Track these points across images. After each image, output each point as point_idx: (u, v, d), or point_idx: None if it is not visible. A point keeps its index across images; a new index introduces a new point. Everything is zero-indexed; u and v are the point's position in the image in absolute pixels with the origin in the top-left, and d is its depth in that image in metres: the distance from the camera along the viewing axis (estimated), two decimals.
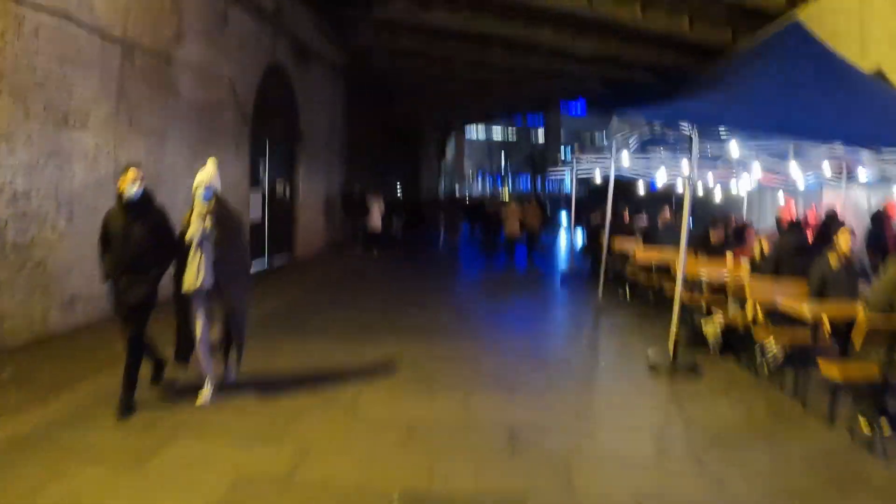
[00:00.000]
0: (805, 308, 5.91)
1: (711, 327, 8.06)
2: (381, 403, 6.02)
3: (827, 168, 10.66)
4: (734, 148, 8.12)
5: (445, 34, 21.33)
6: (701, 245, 10.34)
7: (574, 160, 15.15)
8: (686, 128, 6.83)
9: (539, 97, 34.08)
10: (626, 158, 10.59)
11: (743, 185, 14.65)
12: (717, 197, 16.51)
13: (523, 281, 15.63)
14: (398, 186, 32.27)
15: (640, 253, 10.95)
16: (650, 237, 12.05)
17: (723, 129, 7.15)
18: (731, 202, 17.17)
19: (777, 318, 6.78)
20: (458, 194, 45.16)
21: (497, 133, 76.96)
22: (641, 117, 6.31)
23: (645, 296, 11.41)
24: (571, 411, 6.04)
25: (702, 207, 18.89)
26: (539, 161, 74.40)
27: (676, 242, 10.81)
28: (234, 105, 13.45)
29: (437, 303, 11.71)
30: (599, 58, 23.03)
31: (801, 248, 7.52)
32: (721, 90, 7.45)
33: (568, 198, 49.49)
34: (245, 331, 6.05)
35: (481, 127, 74.79)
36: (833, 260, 6.51)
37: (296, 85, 17.03)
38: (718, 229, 10.47)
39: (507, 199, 28.08)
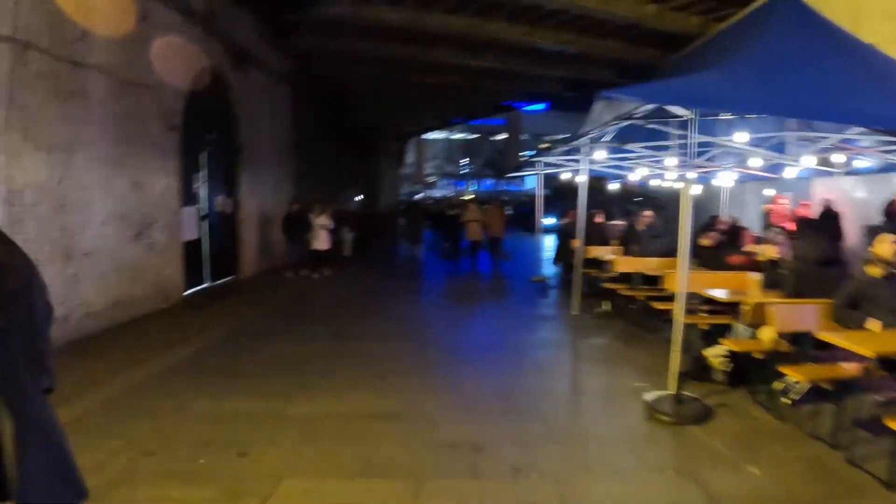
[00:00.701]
0: (867, 345, 4.53)
1: (719, 357, 6.73)
2: (304, 497, 4.49)
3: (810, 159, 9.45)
4: (741, 136, 6.86)
5: (391, 33, 19.84)
6: (691, 251, 9.05)
7: (540, 156, 13.76)
8: (684, 113, 5.50)
9: (496, 101, 32.71)
10: (603, 152, 9.26)
11: (725, 179, 13.44)
12: (695, 192, 15.28)
13: (489, 295, 14.28)
14: (349, 198, 30.29)
15: (621, 262, 9.61)
16: (629, 242, 10.75)
17: (725, 114, 5.81)
18: (708, 198, 16.01)
19: (803, 344, 5.47)
20: (419, 200, 43.60)
21: (457, 132, 75.84)
22: (634, 99, 4.91)
23: (626, 310, 10.09)
24: (555, 495, 4.47)
25: (675, 206, 17.68)
26: (501, 161, 73.39)
27: (660, 248, 9.56)
28: (159, 114, 11.84)
29: (387, 332, 9.91)
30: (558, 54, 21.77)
31: (825, 258, 6.21)
32: (716, 69, 6.10)
33: (533, 199, 48.51)
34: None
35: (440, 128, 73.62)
36: (873, 270, 5.22)
37: (234, 93, 15.43)
38: (711, 232, 9.19)
39: (466, 202, 26.66)
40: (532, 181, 75.01)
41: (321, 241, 16.22)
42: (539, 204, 15.85)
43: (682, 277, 5.92)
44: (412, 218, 22.66)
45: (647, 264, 9.26)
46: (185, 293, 12.96)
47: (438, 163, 77.27)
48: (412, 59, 22.43)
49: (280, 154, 18.93)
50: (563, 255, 14.23)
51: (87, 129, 9.77)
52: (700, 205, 17.34)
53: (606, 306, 10.61)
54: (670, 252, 9.62)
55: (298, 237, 16.19)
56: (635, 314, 9.72)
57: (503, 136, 74.84)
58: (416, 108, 33.82)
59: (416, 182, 72.20)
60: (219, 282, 14.70)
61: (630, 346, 8.59)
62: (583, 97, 27.15)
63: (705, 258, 8.71)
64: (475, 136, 75.66)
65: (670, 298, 7.96)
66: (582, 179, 10.70)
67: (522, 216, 35.16)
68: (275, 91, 18.59)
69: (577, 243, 12.77)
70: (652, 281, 9.40)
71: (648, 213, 10.99)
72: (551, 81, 26.25)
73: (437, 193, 66.84)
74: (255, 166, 16.77)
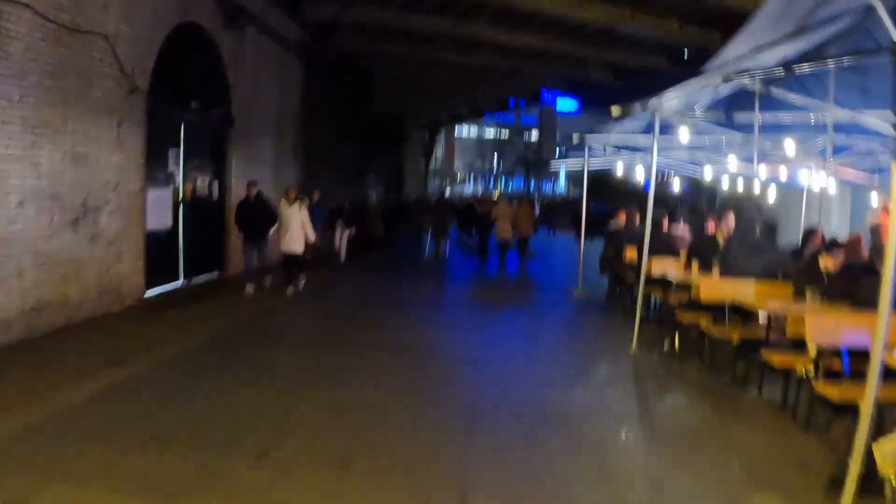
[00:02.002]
0: None
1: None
2: None
3: None
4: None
5: (423, 5, 17.33)
6: (805, 275, 6.30)
7: (586, 148, 11.04)
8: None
9: (534, 87, 29.91)
10: (685, 134, 6.55)
11: (813, 181, 10.60)
12: (772, 196, 12.43)
13: (521, 316, 11.22)
14: (367, 189, 27.28)
15: (707, 286, 6.78)
16: (705, 256, 7.96)
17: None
18: (784, 205, 13.18)
19: None
20: (446, 195, 40.84)
21: (489, 132, 73.12)
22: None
23: (702, 347, 7.32)
24: None
25: (743, 211, 14.89)
26: (532, 161, 70.96)
27: (753, 267, 6.82)
28: (116, 73, 9.33)
29: (372, 372, 6.87)
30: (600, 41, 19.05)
31: None
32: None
33: (565, 200, 45.67)
34: None
35: (473, 125, 71.00)
36: None
37: (226, 57, 12.90)
38: (834, 250, 6.40)
39: (496, 199, 24.29)
40: (563, 180, 72.23)
41: (294, 241, 11.52)
42: (584, 204, 13.12)
43: (881, 329, 3.21)
44: (440, 212, 20.45)
45: (743, 291, 6.51)
46: (147, 293, 10.49)
47: (469, 159, 74.69)
48: (443, 34, 19.80)
49: (285, 134, 16.37)
50: (610, 264, 11.47)
51: (3, 87, 7.31)
52: (776, 212, 14.53)
53: (673, 342, 7.82)
54: (770, 273, 6.87)
55: (258, 234, 11.44)
56: (716, 355, 6.98)
57: (535, 135, 72.20)
58: (446, 94, 31.17)
59: (446, 177, 69.70)
60: (198, 279, 12.21)
61: (723, 412, 5.83)
62: (627, 87, 24.36)
63: (833, 288, 5.95)
64: (506, 134, 73.05)
65: (789, 346, 5.27)
66: (652, 167, 8.00)
67: (554, 217, 32.39)
68: (283, 62, 16.06)
69: (632, 253, 10.04)
70: (748, 315, 6.67)
71: (730, 219, 8.18)
72: (597, 67, 23.49)
73: (466, 190, 64.33)
74: (251, 145, 14.24)
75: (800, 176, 11.21)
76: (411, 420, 5.42)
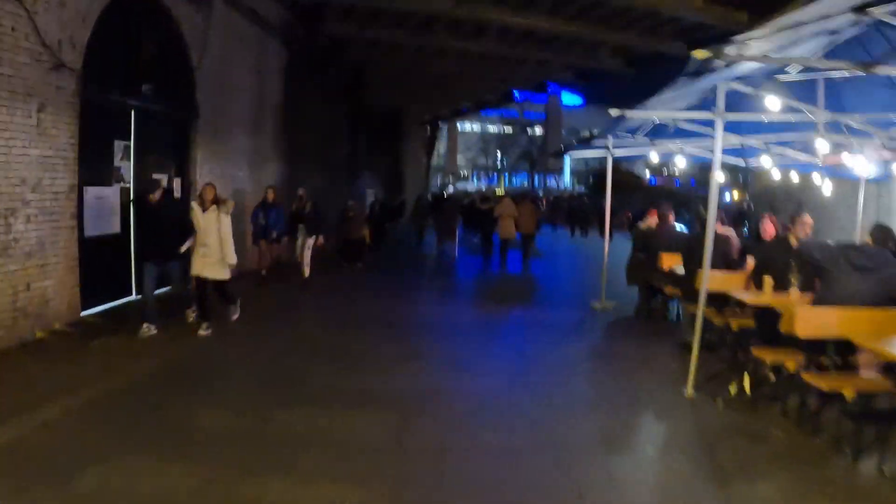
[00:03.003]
0: None
1: None
2: None
3: None
4: None
5: None
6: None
7: (614, 121, 8.93)
8: None
9: (540, 76, 27.97)
10: (774, 103, 4.67)
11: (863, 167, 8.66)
12: (827, 189, 10.48)
13: (535, 341, 8.65)
14: (362, 187, 24.67)
15: (806, 316, 4.79)
16: (776, 269, 6.03)
17: None
18: (837, 200, 11.22)
19: None
20: (453, 193, 38.61)
21: (492, 128, 71.11)
22: None
23: (784, 394, 5.42)
24: None
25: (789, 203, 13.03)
26: (537, 156, 69.19)
27: (862, 287, 4.93)
28: (35, 46, 7.46)
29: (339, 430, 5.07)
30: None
31: None
32: None
33: (572, 197, 43.60)
34: None
35: (476, 122, 69.09)
36: None
37: (188, 35, 11.00)
38: None
39: (500, 196, 22.47)
40: (567, 176, 70.33)
41: (211, 263, 8.23)
42: (607, 198, 11.19)
43: None
44: (444, 212, 18.84)
45: (854, 322, 4.59)
46: (87, 312, 8.63)
47: (472, 155, 72.75)
48: (441, 17, 17.88)
49: (265, 127, 14.48)
50: (641, 272, 9.56)
51: None
52: (823, 208, 12.60)
53: (742, 384, 5.89)
54: (880, 299, 4.97)
55: (164, 253, 8.19)
56: (806, 404, 5.09)
57: (539, 130, 70.56)
58: (446, 87, 29.20)
59: (448, 174, 67.75)
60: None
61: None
62: (639, 77, 22.39)
63: None
64: (510, 129, 71.15)
65: None
66: (715, 153, 6.08)
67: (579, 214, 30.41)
68: (262, 45, 14.17)
69: (671, 262, 8.14)
70: (851, 349, 4.76)
71: (808, 219, 6.26)
72: (610, 53, 21.54)
73: (469, 187, 62.42)
74: (222, 138, 12.35)
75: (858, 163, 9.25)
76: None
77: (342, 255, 15.19)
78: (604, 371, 7.16)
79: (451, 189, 49.21)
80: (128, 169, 9.70)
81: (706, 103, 6.63)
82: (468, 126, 70.55)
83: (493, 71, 25.42)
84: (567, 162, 62.38)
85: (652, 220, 9.75)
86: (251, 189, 13.46)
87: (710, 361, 6.50)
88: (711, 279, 6.00)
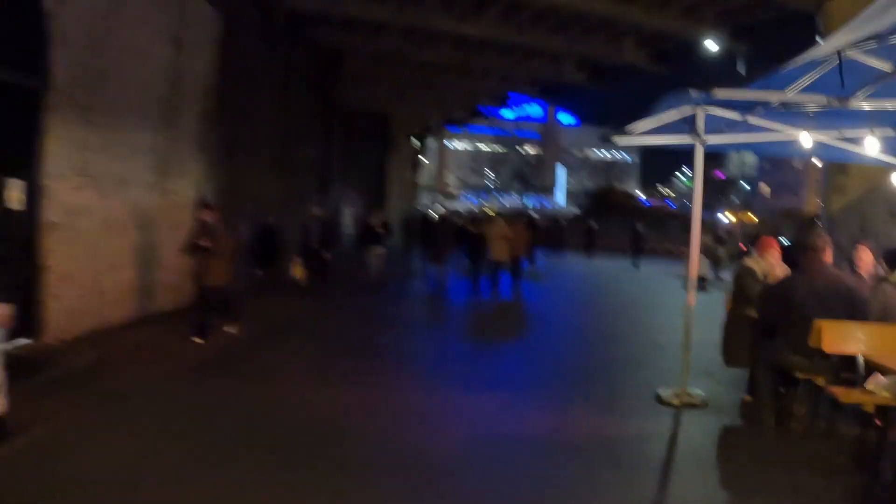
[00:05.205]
0: None
1: None
2: None
3: None
4: None
5: None
6: None
7: (702, 96, 4.96)
8: None
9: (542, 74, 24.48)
10: None
11: None
12: None
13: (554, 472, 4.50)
14: (334, 201, 20.41)
15: None
16: None
17: None
18: None
19: None
20: (440, 214, 34.45)
21: (485, 144, 67.80)
22: None
23: None
24: None
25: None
26: (529, 176, 65.97)
27: None
28: None
29: None
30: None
31: None
32: None
33: (576, 217, 39.70)
34: None
35: (466, 140, 65.82)
36: None
37: None
38: None
39: (492, 217, 19.76)
40: (561, 198, 66.94)
41: None
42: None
43: None
44: (439, 234, 16.24)
45: None
46: None
47: (463, 173, 69.25)
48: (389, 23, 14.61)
49: (182, 116, 10.29)
50: (762, 350, 5.44)
51: None
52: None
53: None
54: None
55: None
56: None
57: (532, 149, 67.57)
58: (434, 92, 25.51)
59: (437, 192, 64.00)
60: None
61: None
62: (672, 76, 18.65)
63: None
64: (503, 148, 68.03)
65: None
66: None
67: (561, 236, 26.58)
68: (183, 4, 10.13)
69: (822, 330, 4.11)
70: None
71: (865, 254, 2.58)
72: (632, 49, 17.95)
73: (458, 206, 58.76)
74: (102, 125, 8.23)
75: None
76: None
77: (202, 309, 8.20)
78: None
79: (440, 208, 45.26)
80: None
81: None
82: (459, 145, 67.51)
83: (456, 82, 22.78)
84: (563, 179, 58.97)
85: (771, 257, 5.77)
86: (160, 194, 9.44)
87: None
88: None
